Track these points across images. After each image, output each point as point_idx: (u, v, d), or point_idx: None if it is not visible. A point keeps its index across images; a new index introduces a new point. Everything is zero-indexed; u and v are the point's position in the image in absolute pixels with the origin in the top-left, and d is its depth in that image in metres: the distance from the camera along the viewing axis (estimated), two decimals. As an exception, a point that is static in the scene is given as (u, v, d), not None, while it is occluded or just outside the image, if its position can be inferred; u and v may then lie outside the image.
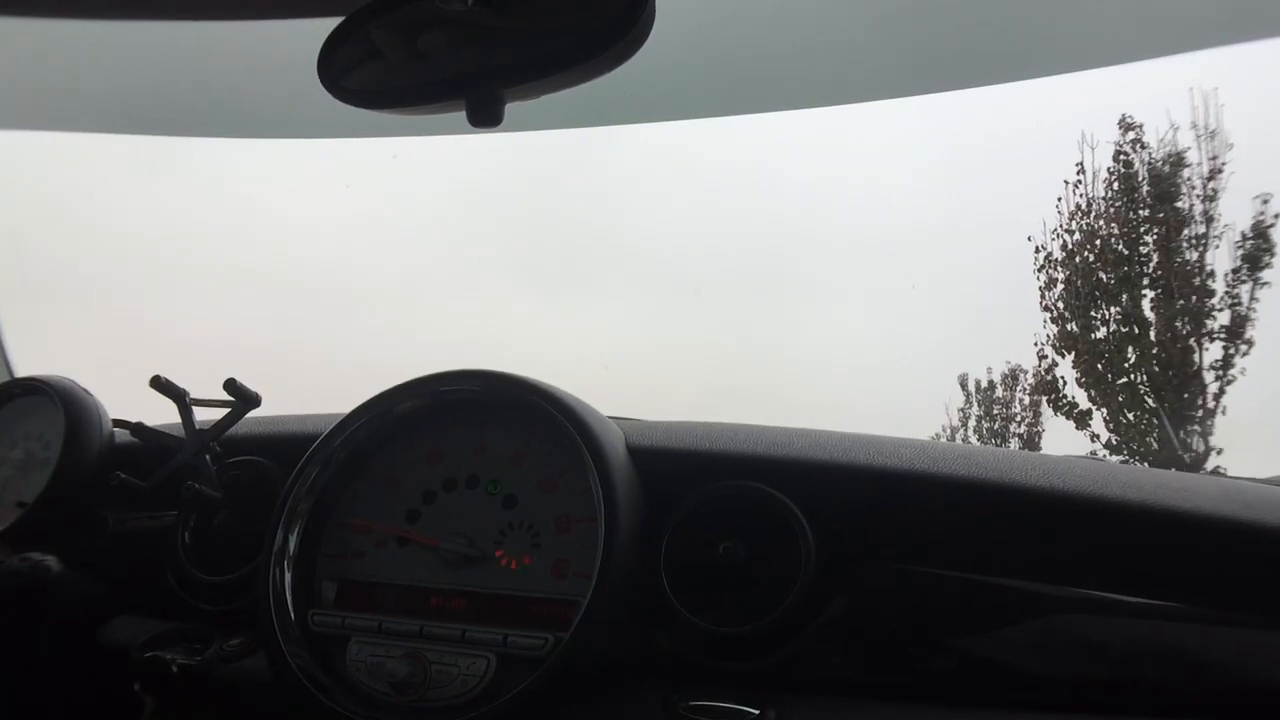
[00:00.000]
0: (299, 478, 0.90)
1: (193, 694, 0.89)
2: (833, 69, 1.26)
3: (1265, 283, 8.70)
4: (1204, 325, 9.03)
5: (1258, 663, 0.74)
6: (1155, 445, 9.10)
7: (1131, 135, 9.58)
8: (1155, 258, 9.32)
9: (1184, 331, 9.09)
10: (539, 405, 0.86)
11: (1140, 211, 9.46)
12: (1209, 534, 0.73)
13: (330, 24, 0.73)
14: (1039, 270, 10.07)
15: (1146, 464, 8.98)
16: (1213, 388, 8.97)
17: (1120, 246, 9.51)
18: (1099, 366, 9.50)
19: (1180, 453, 8.84)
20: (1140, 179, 9.50)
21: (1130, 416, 9.34)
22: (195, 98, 1.34)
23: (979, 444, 10.75)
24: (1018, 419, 11.70)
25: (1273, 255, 8.68)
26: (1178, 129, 9.19)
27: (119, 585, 1.00)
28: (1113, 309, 9.52)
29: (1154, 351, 9.21)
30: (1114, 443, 9.42)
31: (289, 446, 0.96)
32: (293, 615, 0.84)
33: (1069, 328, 9.81)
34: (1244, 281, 8.81)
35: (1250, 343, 8.77)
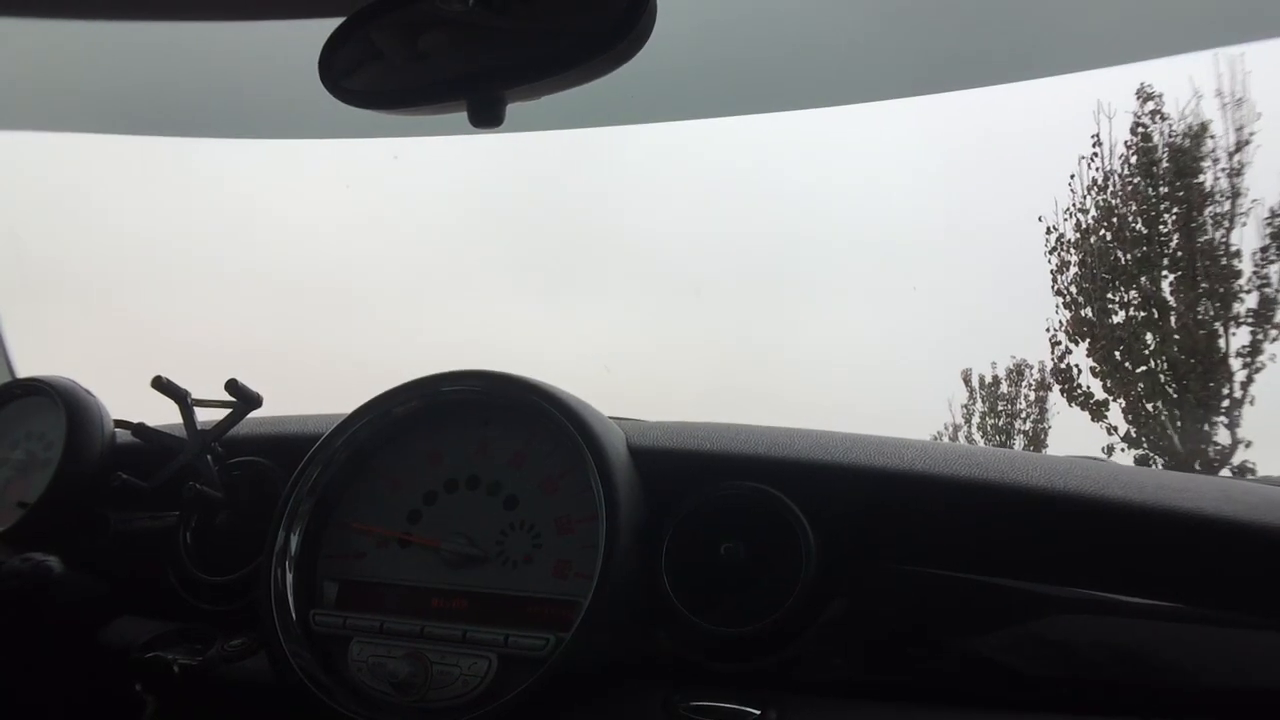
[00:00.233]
0: (300, 478, 0.90)
1: (194, 694, 0.89)
2: (833, 69, 1.26)
3: (1296, 263, 7.97)
4: (1230, 309, 8.30)
5: (1257, 663, 0.74)
6: (1176, 439, 8.44)
7: (1150, 106, 8.76)
8: (1176, 237, 8.54)
9: (1208, 316, 8.37)
10: (540, 406, 0.86)
11: (1160, 188, 8.65)
12: (1209, 534, 0.73)
13: (331, 24, 0.73)
14: (1050, 253, 9.34)
15: (1167, 458, 8.38)
16: (1240, 376, 8.25)
17: (1139, 225, 8.73)
18: (1116, 354, 8.77)
19: (1204, 446, 8.23)
20: (1160, 153, 8.69)
21: (1150, 407, 8.63)
22: (195, 98, 1.34)
23: (982, 443, 10.71)
24: (1023, 415, 11.20)
25: (1305, 233, 7.93)
26: (1201, 97, 8.37)
27: (120, 586, 1.01)
28: (1131, 292, 8.77)
29: (1175, 337, 8.45)
30: (1133, 435, 8.78)
31: (290, 447, 0.97)
32: (294, 615, 0.84)
33: (1083, 313, 9.06)
34: (1273, 261, 8.10)
35: (1280, 327, 8.08)
